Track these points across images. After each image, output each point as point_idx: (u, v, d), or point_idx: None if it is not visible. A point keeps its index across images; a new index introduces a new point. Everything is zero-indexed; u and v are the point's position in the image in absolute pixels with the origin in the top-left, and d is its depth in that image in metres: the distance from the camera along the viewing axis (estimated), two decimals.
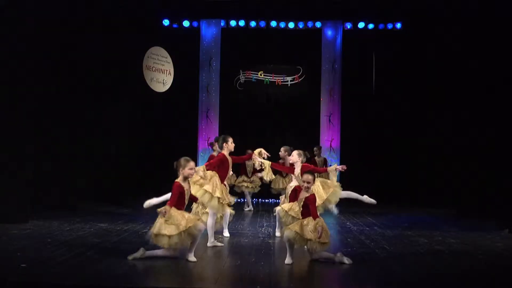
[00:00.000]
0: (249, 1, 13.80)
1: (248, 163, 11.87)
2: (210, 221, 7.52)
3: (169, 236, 6.25)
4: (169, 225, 6.26)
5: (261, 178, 11.14)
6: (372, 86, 13.45)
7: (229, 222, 8.46)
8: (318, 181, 8.18)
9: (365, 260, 6.65)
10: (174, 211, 6.36)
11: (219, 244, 7.50)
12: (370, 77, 13.51)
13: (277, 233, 8.32)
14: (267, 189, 12.14)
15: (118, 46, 12.26)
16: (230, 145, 7.87)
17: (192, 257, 6.43)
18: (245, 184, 12.04)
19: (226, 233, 8.33)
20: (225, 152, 7.84)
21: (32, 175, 9.37)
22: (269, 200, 13.57)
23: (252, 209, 12.05)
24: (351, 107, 14.19)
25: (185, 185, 6.61)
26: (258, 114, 14.55)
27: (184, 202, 6.60)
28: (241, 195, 12.45)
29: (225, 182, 7.94)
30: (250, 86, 14.62)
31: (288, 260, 6.40)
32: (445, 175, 12.33)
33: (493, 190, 10.13)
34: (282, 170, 9.85)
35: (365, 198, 9.09)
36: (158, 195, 8.06)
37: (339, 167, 8.38)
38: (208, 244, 7.42)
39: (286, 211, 7.67)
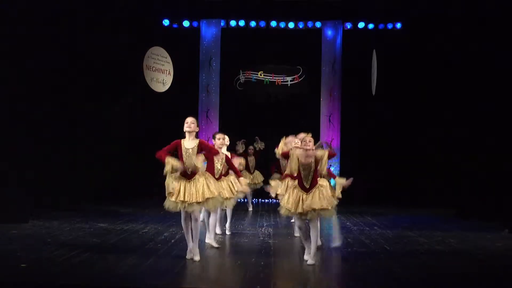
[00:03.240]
0: (249, 1, 13.80)
1: (249, 158, 11.84)
2: (212, 217, 7.46)
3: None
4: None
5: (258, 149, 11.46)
6: (372, 86, 13.43)
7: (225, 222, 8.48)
8: (325, 182, 7.47)
9: (365, 260, 6.65)
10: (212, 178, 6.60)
11: (215, 245, 7.38)
12: (370, 77, 13.49)
13: (296, 234, 8.12)
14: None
15: (118, 46, 12.26)
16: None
17: (196, 256, 6.38)
18: (247, 181, 11.92)
19: (218, 230, 8.26)
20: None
21: (32, 175, 9.36)
22: (269, 200, 13.56)
23: (252, 209, 12.04)
24: (351, 107, 14.18)
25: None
26: (258, 114, 14.52)
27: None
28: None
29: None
30: (250, 86, 14.60)
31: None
32: (445, 175, 12.33)
33: (493, 190, 10.13)
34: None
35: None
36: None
37: (346, 184, 7.19)
38: (206, 240, 7.39)
39: (286, 208, 7.08)
